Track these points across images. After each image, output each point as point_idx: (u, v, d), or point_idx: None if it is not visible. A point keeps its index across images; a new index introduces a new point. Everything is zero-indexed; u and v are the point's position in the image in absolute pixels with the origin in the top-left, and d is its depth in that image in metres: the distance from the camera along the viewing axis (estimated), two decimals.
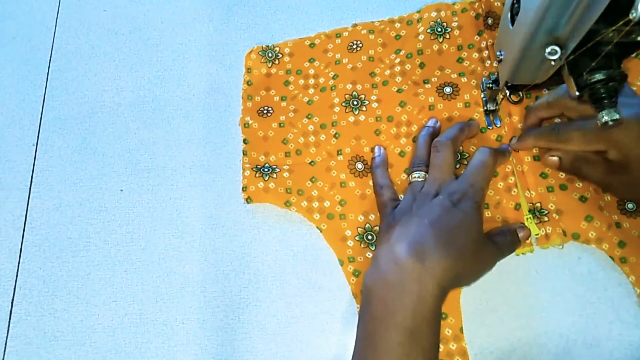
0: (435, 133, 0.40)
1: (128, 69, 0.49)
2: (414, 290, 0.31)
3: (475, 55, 0.43)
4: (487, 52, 0.43)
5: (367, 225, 0.40)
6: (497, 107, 0.40)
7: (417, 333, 0.30)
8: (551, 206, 0.38)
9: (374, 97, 0.43)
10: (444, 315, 0.37)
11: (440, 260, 0.31)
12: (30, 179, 0.46)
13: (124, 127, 0.47)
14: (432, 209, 0.34)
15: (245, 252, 0.42)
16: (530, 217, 0.38)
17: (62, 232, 0.44)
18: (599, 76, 0.29)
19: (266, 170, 0.42)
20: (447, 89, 0.42)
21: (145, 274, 0.42)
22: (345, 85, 0.44)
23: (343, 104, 0.43)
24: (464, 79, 0.42)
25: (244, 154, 0.43)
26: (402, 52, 0.44)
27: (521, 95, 0.38)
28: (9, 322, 0.42)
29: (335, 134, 0.42)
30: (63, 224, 0.44)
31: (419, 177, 0.38)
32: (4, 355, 0.41)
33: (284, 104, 0.44)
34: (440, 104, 0.41)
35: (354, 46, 0.45)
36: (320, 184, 0.41)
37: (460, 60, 0.43)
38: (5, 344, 0.42)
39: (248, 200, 0.41)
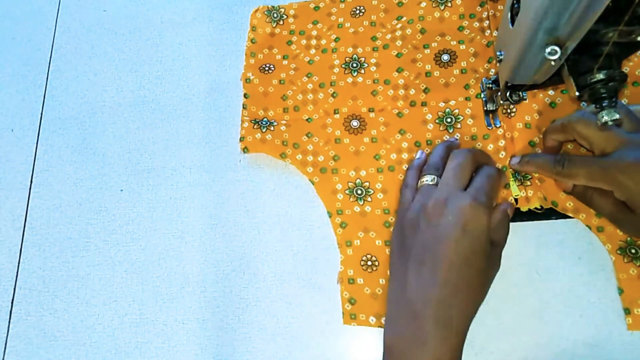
0: (454, 147, 0.40)
1: (128, 69, 0.49)
2: (434, 348, 0.32)
3: (476, 24, 0.44)
4: (487, 22, 0.43)
5: (358, 180, 0.41)
6: (496, 107, 0.40)
7: None
8: (535, 173, 0.39)
9: (373, 61, 0.44)
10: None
11: (459, 315, 0.32)
12: (30, 179, 0.46)
13: (124, 127, 0.47)
14: (441, 243, 0.33)
15: (245, 252, 0.42)
16: (513, 180, 0.39)
17: (62, 232, 0.44)
18: (599, 76, 0.29)
19: (264, 123, 0.43)
20: (445, 57, 0.43)
21: (145, 274, 0.42)
22: (347, 48, 0.45)
23: (343, 66, 0.44)
24: (462, 47, 0.43)
25: (243, 108, 0.44)
26: (404, 19, 0.45)
27: (521, 95, 0.38)
28: (9, 322, 0.42)
29: (333, 93, 0.44)
30: (63, 224, 0.44)
31: (429, 180, 0.37)
32: (4, 355, 0.41)
33: (285, 62, 0.46)
34: (437, 72, 0.43)
35: (357, 11, 0.46)
36: (315, 139, 0.43)
37: (461, 28, 0.44)
38: (5, 344, 0.42)
39: (245, 150, 0.42)
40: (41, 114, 0.48)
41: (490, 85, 0.39)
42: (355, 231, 0.40)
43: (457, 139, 0.41)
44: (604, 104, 0.29)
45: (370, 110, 0.43)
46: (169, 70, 0.48)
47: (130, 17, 0.51)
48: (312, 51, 0.46)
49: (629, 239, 0.37)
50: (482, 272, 0.33)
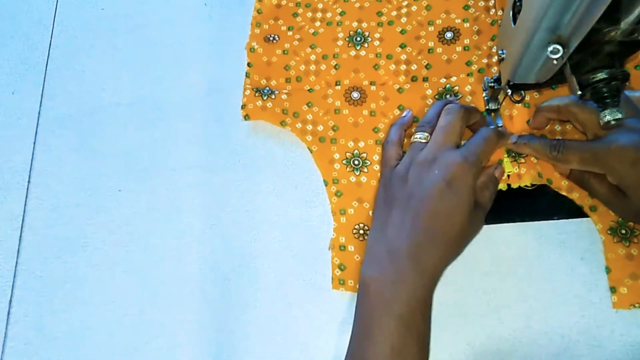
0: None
1: (127, 68, 0.49)
2: (409, 286, 0.33)
3: (482, 3, 0.44)
4: (493, 1, 0.44)
5: (356, 151, 0.42)
6: (498, 107, 0.40)
7: (410, 321, 0.32)
8: (531, 156, 0.39)
9: (377, 35, 0.45)
10: None
11: (434, 259, 0.33)
12: (27, 179, 0.46)
13: (123, 127, 0.47)
14: (426, 194, 0.34)
15: (245, 252, 0.41)
16: (506, 156, 0.39)
17: (60, 232, 0.44)
18: (601, 75, 0.29)
19: (266, 92, 0.44)
20: (448, 34, 0.44)
21: (145, 274, 0.42)
22: (351, 22, 0.46)
23: (346, 39, 0.45)
24: (466, 25, 0.44)
25: (246, 76, 0.45)
26: None
27: (523, 94, 0.38)
28: (7, 322, 0.42)
29: (336, 65, 0.45)
30: (61, 224, 0.44)
31: (420, 137, 0.38)
32: (2, 355, 0.41)
33: (290, 33, 0.47)
34: (440, 48, 0.43)
35: None
36: (315, 109, 0.43)
37: (466, 7, 0.44)
38: (4, 344, 0.41)
39: (246, 117, 0.43)
40: (39, 113, 0.48)
41: (492, 85, 0.38)
42: (349, 200, 0.41)
43: (457, 99, 0.41)
44: (606, 103, 0.29)
45: (372, 83, 0.43)
46: (169, 70, 0.48)
47: (129, 16, 0.50)
48: (317, 23, 0.46)
49: (620, 219, 0.37)
50: (462, 228, 0.34)
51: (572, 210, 0.38)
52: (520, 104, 0.40)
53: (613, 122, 0.29)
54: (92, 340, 0.41)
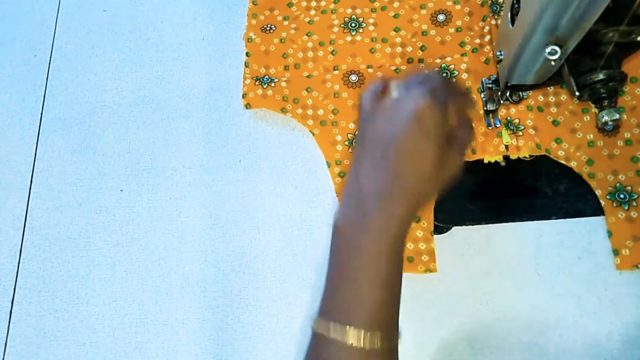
0: None
1: (128, 69, 0.49)
2: (374, 228, 0.32)
3: None
4: None
5: (357, 132, 0.41)
6: (496, 107, 0.40)
7: (376, 265, 0.32)
8: (529, 122, 0.40)
9: (371, 21, 0.46)
10: (417, 219, 0.39)
11: (402, 199, 0.32)
12: (30, 179, 0.46)
13: (124, 127, 0.47)
14: (394, 134, 0.33)
15: (245, 252, 0.42)
16: (505, 129, 0.40)
17: (62, 232, 0.44)
18: (599, 76, 0.29)
19: (265, 80, 0.45)
20: (441, 17, 0.45)
21: (145, 274, 0.42)
22: (346, 9, 0.47)
23: (342, 25, 0.46)
24: (457, 7, 0.45)
25: (245, 66, 0.46)
26: None
27: (521, 95, 0.38)
28: (9, 321, 0.42)
29: (333, 50, 0.46)
30: (63, 224, 0.44)
31: (395, 87, 0.37)
32: (4, 355, 0.41)
33: (286, 22, 0.47)
34: (433, 30, 0.45)
35: None
36: (315, 94, 0.44)
37: None
38: (5, 343, 0.42)
39: (247, 106, 0.44)
40: (41, 114, 0.48)
41: (490, 85, 0.39)
42: None
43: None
44: (603, 104, 0.29)
45: (369, 67, 0.44)
46: (169, 70, 0.48)
47: (130, 17, 0.51)
48: (312, 12, 0.47)
49: (618, 184, 0.38)
50: (432, 168, 0.33)
51: (570, 211, 0.39)
52: (517, 104, 0.40)
53: (611, 123, 0.29)
54: (93, 339, 0.41)
